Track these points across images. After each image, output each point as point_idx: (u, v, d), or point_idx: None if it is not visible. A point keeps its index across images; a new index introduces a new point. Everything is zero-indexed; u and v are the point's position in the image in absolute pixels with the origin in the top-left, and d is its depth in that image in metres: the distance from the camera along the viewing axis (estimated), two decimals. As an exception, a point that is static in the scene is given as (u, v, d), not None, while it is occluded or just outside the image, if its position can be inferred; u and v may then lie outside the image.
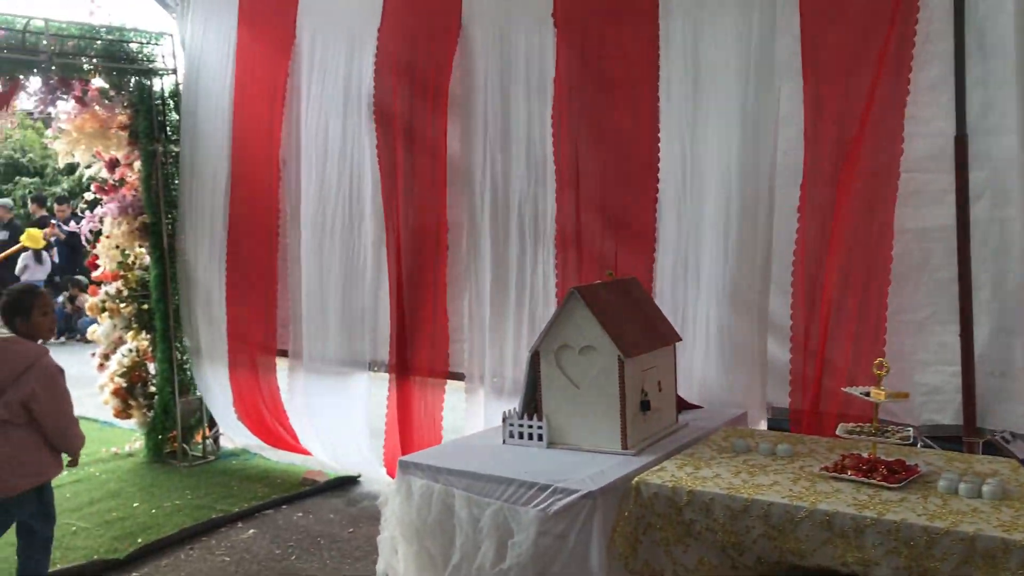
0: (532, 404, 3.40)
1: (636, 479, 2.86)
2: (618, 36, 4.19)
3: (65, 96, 5.72)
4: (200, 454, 6.19)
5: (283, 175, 5.39)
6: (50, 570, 4.10)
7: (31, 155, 17.24)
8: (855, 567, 2.39)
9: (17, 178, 16.63)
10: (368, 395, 5.21)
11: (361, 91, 5.03)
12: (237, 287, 5.60)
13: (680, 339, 3.58)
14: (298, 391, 5.43)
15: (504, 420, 3.50)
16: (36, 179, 16.52)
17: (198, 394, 6.16)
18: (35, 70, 5.46)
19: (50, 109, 5.70)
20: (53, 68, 5.47)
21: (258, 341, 5.55)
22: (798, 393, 3.79)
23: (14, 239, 12.98)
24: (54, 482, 3.85)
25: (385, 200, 4.92)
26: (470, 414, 4.83)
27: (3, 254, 12.65)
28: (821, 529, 2.46)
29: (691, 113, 4.01)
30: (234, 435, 6.15)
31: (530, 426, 3.38)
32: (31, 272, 12.15)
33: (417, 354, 4.92)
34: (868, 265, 3.59)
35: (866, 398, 2.90)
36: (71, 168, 16.96)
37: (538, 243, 4.56)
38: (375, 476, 5.37)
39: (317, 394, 5.34)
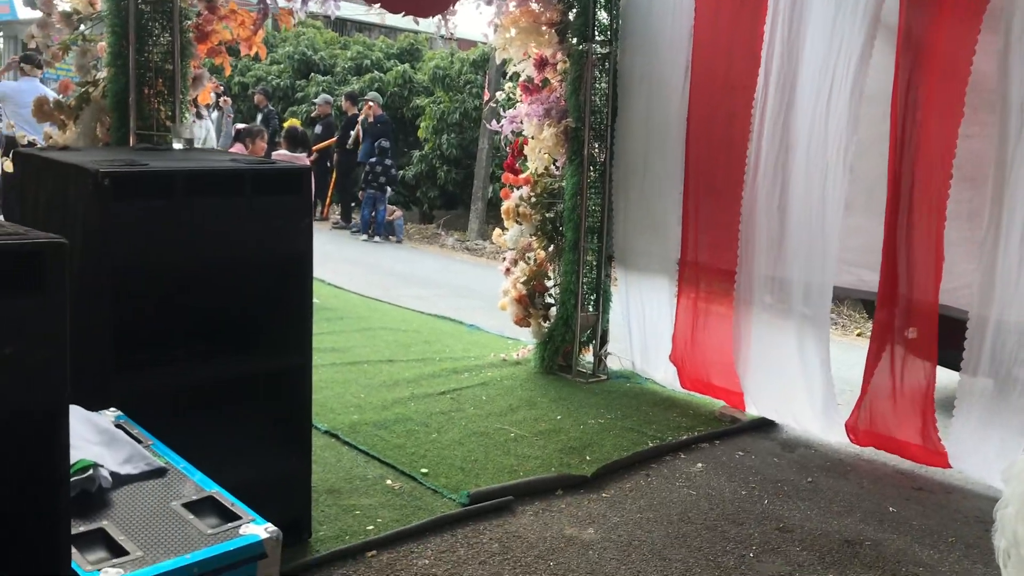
0: None
1: None
2: None
3: (507, -12, 5.50)
4: (590, 371, 6.00)
5: (757, 91, 4.91)
6: (518, 480, 4.24)
7: (321, 53, 17.76)
8: None
9: (311, 74, 17.19)
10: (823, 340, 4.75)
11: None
12: (695, 206, 5.23)
13: None
14: (750, 324, 5.05)
15: None
16: (328, 77, 16.99)
17: (592, 309, 5.95)
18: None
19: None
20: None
21: (714, 265, 5.18)
22: None
23: (328, 134, 13.44)
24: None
25: (894, 124, 4.36)
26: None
27: (317, 146, 13.12)
28: None
29: None
30: (643, 359, 5.87)
31: None
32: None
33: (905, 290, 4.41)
34: None
35: None
36: (359, 69, 17.52)
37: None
38: (831, 439, 4.95)
39: (770, 334, 4.94)
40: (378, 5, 4.69)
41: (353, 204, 13.48)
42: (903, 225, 4.33)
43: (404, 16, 5.02)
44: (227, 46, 4.52)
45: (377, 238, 12.40)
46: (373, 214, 12.47)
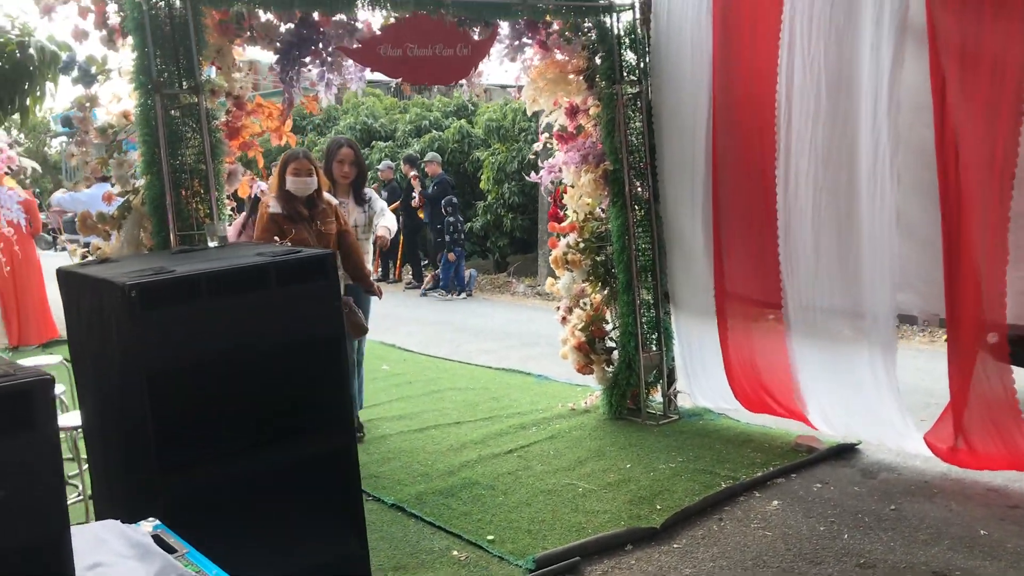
0: None
1: None
2: None
3: (530, 42, 5.51)
4: (660, 412, 5.87)
5: (779, 110, 4.80)
6: (586, 538, 4.15)
7: (381, 120, 18.17)
8: None
9: (373, 142, 17.57)
10: (888, 353, 4.55)
11: (883, 5, 4.33)
12: (726, 237, 5.14)
13: None
14: (806, 350, 4.89)
15: None
16: (389, 142, 17.33)
17: (654, 348, 5.84)
18: (505, 16, 5.28)
19: (518, 56, 5.49)
20: (520, 12, 5.26)
21: (751, 296, 5.06)
22: None
23: (393, 198, 13.68)
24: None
25: (938, 132, 4.18)
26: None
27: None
28: None
29: None
30: (703, 394, 5.74)
31: None
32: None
33: (971, 308, 4.20)
34: None
35: None
36: (418, 131, 17.83)
37: None
38: (910, 451, 4.72)
39: (828, 354, 4.77)
40: (401, 79, 4.75)
41: (425, 263, 13.65)
42: (960, 241, 4.15)
43: (428, 86, 5.08)
44: (257, 138, 4.65)
45: (464, 294, 12.54)
46: (454, 272, 12.64)
